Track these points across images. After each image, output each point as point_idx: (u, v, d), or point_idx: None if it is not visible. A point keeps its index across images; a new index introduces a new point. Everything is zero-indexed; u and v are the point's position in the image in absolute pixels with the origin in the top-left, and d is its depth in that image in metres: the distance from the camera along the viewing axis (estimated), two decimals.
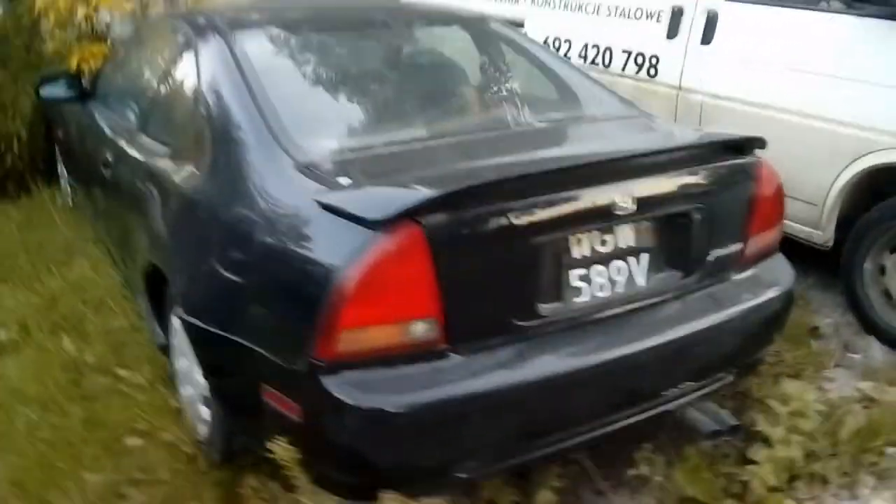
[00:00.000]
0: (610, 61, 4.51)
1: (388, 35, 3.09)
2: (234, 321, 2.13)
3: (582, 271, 2.14)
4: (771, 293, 2.46)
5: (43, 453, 2.55)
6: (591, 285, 2.16)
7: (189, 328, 2.26)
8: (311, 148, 2.25)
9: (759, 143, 2.43)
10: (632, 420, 2.27)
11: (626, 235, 2.20)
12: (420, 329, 1.93)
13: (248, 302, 2.10)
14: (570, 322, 2.13)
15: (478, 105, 2.80)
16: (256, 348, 2.04)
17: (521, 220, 2.00)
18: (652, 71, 4.27)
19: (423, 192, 1.90)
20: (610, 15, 4.49)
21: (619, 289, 2.20)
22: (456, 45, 3.23)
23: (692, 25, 3.99)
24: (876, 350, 3.32)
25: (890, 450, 2.65)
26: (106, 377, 2.91)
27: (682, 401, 2.35)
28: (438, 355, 1.96)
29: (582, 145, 2.52)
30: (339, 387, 1.88)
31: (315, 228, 1.99)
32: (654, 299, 2.26)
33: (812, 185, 3.51)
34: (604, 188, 2.09)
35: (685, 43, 4.05)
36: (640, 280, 2.24)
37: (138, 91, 3.31)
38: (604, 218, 2.11)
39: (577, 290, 2.14)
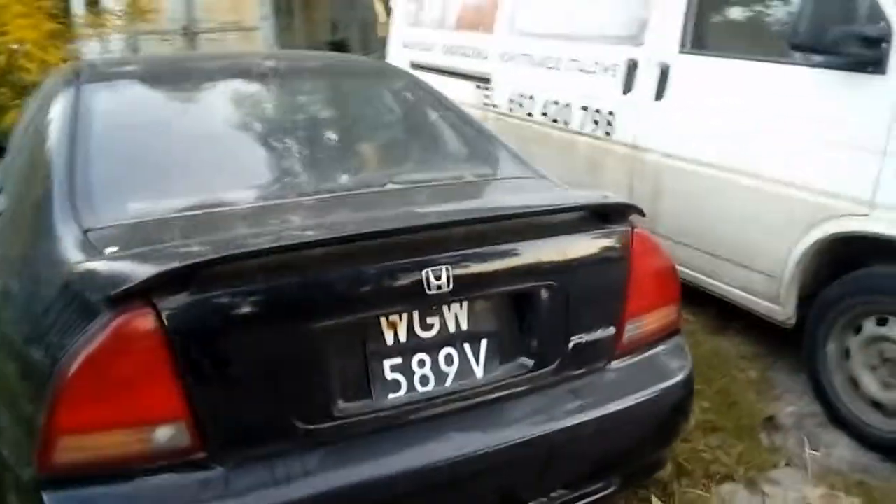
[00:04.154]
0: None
1: (257, 87, 2.78)
2: None
3: (397, 361, 1.77)
4: (657, 387, 2.04)
5: None
6: (412, 378, 1.78)
7: None
8: (105, 212, 1.92)
9: (631, 209, 2.04)
10: None
11: (456, 318, 1.83)
12: (164, 435, 1.57)
13: None
14: (380, 423, 1.74)
15: (327, 164, 2.43)
16: (2, 452, 1.70)
17: (296, 299, 1.65)
18: (608, 129, 3.95)
19: (156, 268, 1.55)
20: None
21: (449, 382, 1.82)
22: (332, 97, 2.91)
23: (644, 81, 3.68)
24: (842, 447, 2.86)
25: None
26: None
27: None
28: (193, 467, 1.59)
29: (410, 211, 2.07)
30: None
31: (56, 308, 1.66)
32: (497, 394, 1.87)
33: (769, 255, 3.13)
34: (411, 262, 1.72)
35: (639, 99, 3.73)
36: (478, 371, 1.85)
37: (12, 143, 3.06)
38: (418, 298, 1.74)
39: (394, 384, 1.77)
